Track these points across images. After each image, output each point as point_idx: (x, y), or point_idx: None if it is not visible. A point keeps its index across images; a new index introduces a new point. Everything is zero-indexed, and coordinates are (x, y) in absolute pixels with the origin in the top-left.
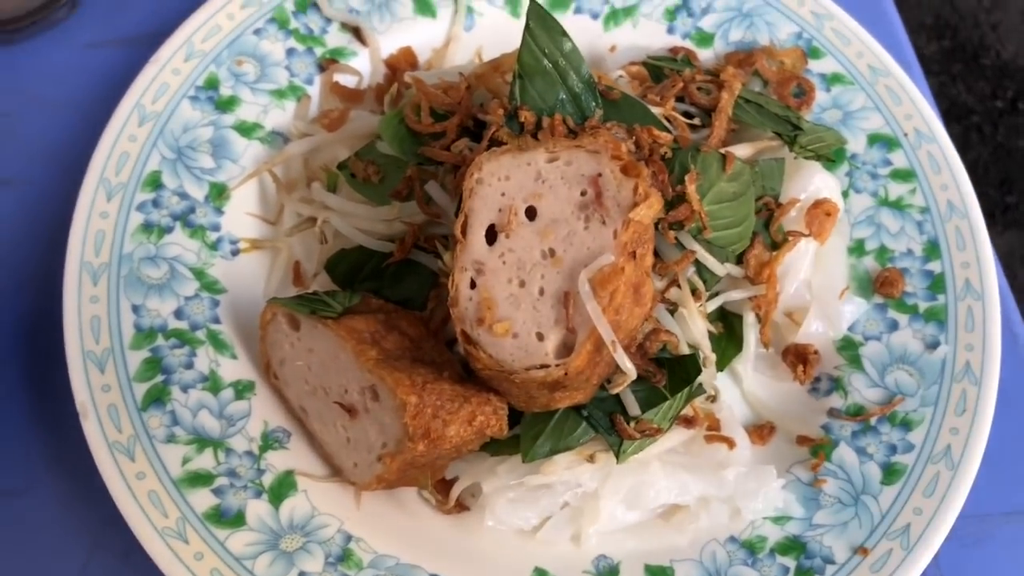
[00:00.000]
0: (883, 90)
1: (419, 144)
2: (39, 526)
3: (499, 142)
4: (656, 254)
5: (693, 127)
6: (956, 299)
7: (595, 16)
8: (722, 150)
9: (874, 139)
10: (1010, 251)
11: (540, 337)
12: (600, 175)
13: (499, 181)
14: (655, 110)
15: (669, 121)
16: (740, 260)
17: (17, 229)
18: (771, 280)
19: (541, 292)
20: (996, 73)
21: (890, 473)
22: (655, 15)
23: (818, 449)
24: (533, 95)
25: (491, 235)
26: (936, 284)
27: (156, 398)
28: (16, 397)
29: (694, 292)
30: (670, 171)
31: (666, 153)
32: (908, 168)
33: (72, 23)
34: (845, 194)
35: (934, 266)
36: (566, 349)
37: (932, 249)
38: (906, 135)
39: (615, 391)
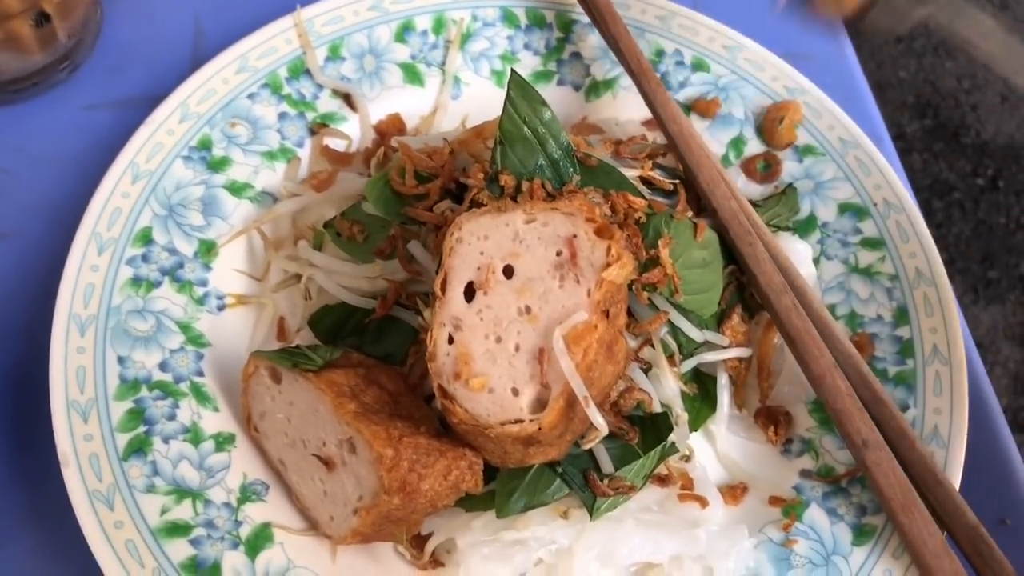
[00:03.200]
0: (853, 161)
1: (403, 205)
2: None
3: (480, 204)
4: (630, 314)
5: (665, 192)
6: (924, 364)
7: (577, 88)
8: (693, 218)
9: (844, 208)
10: (993, 325)
11: (515, 392)
12: (575, 236)
13: (478, 240)
14: (632, 172)
15: (646, 183)
16: (719, 326)
17: (10, 282)
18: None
19: (517, 348)
20: (976, 152)
21: (860, 534)
22: (634, 87)
23: (790, 509)
24: (513, 160)
25: (469, 292)
26: (905, 349)
27: (138, 448)
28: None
29: (670, 356)
30: (644, 235)
31: (640, 218)
32: (878, 237)
33: (71, 85)
34: (817, 261)
35: (903, 332)
36: (540, 405)
37: (901, 315)
38: (875, 205)
39: (587, 446)
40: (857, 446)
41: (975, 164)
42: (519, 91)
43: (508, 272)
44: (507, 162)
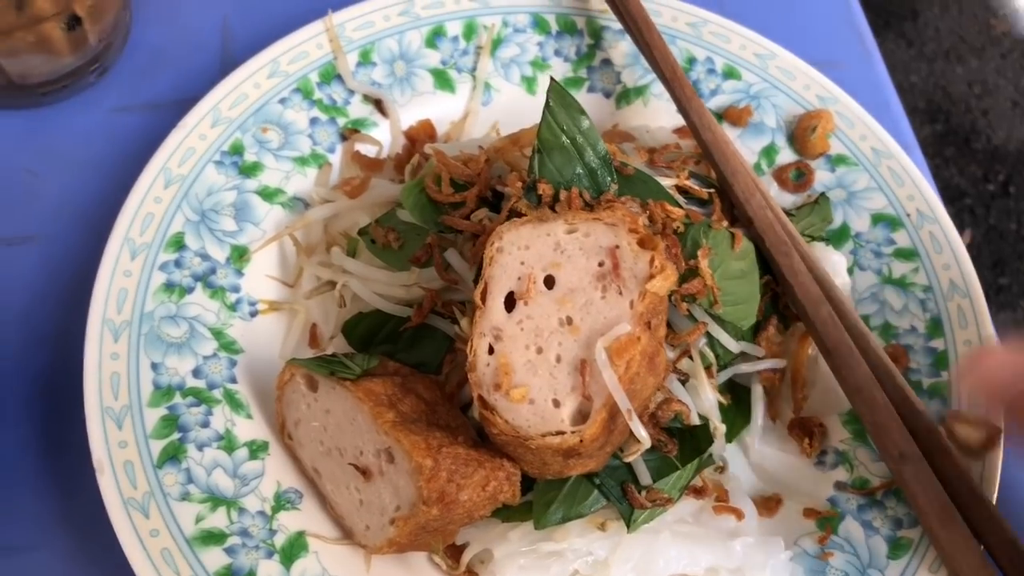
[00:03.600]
0: (886, 171)
1: (439, 213)
2: None
3: (518, 213)
4: (668, 326)
5: (700, 201)
6: (959, 377)
7: (608, 95)
8: (730, 229)
9: (878, 219)
10: (1004, 332)
11: (556, 404)
12: (618, 247)
13: (519, 250)
14: (668, 181)
15: (682, 192)
16: (754, 338)
17: (39, 285)
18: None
19: (558, 359)
20: (987, 157)
21: (896, 547)
22: (665, 95)
23: (825, 522)
24: (551, 169)
25: (510, 302)
26: (939, 361)
27: (172, 455)
28: (31, 452)
29: (708, 367)
30: (682, 245)
31: (678, 228)
32: (911, 247)
33: (100, 88)
34: (850, 271)
35: (937, 343)
36: (582, 416)
37: (935, 327)
38: (908, 215)
39: (629, 459)
40: (894, 459)
41: (986, 169)
42: (558, 99)
43: (549, 282)
44: (545, 171)
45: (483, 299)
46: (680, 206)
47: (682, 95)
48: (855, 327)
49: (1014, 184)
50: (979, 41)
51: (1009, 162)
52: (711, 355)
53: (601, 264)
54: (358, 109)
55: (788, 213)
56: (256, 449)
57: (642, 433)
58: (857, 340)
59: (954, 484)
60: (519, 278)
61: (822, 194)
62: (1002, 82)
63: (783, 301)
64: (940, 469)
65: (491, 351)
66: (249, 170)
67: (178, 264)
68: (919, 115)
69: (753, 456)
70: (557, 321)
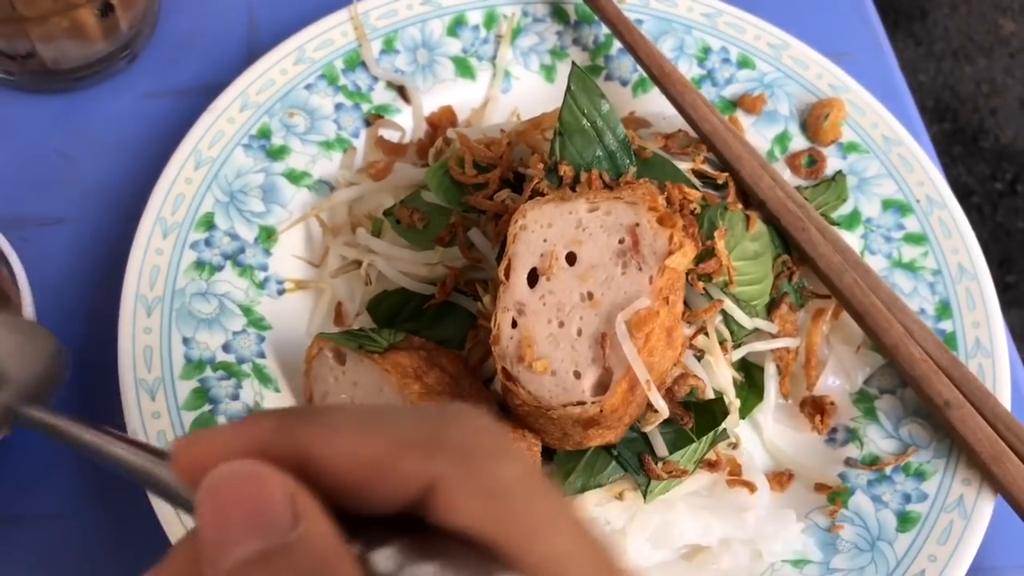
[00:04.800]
0: (896, 158)
1: (462, 194)
2: (84, 548)
3: (540, 193)
4: (685, 304)
5: (715, 185)
6: (967, 357)
7: (624, 83)
8: (745, 211)
9: (888, 204)
10: (1011, 329)
11: (577, 375)
12: (638, 225)
13: (542, 228)
14: (684, 164)
15: (699, 175)
16: (768, 315)
17: (72, 265)
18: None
19: (579, 333)
20: (995, 156)
21: (905, 521)
22: None
23: (835, 496)
24: (572, 151)
25: (532, 278)
26: (948, 342)
27: (203, 426)
28: None
29: (722, 343)
30: (699, 226)
31: (695, 209)
32: (920, 232)
33: (131, 74)
34: (861, 255)
35: (946, 325)
36: (602, 387)
37: (944, 309)
38: (918, 201)
39: (647, 429)
40: (939, 407)
41: (994, 168)
42: (579, 83)
43: (571, 259)
44: (566, 153)
45: (507, 275)
46: (697, 188)
47: (673, 90)
48: (882, 288)
49: (1022, 183)
50: (988, 41)
51: (1017, 161)
52: (726, 332)
53: (621, 241)
54: (382, 95)
55: (803, 193)
56: None
57: (660, 403)
58: (887, 302)
59: (999, 424)
60: (542, 255)
61: (839, 171)
62: (1010, 81)
63: (797, 279)
64: (983, 411)
65: (514, 325)
66: (276, 153)
67: (208, 243)
68: (927, 114)
69: (766, 433)
70: (578, 296)
